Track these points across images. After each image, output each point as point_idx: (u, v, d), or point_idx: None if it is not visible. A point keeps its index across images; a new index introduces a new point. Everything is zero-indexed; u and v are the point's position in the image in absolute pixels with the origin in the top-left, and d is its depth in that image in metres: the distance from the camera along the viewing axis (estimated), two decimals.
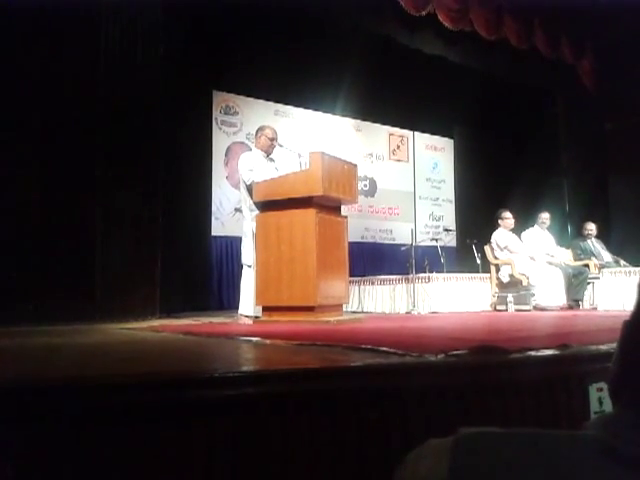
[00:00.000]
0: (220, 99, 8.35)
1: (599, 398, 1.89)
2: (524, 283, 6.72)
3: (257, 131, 5.32)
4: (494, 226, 7.36)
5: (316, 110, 9.37)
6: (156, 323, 4.80)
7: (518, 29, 8.07)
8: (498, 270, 7.14)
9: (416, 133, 10.86)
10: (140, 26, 5.57)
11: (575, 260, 7.40)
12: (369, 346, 2.22)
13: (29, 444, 1.24)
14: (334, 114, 9.53)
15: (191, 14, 6.71)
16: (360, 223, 9.49)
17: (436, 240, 8.40)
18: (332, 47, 7.94)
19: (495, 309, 7.00)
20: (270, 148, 5.20)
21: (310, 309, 4.31)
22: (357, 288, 7.44)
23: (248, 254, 4.97)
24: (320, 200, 4.44)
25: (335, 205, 4.82)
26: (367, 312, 6.91)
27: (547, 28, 8.30)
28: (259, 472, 1.43)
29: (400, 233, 9.88)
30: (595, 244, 7.69)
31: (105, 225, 5.27)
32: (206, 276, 7.87)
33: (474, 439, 0.59)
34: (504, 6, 7.89)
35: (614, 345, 0.67)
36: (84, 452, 1.28)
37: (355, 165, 4.96)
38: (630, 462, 0.53)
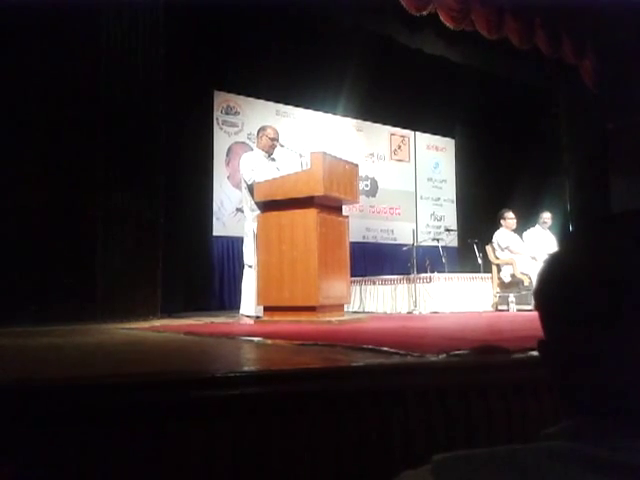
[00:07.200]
0: (221, 99, 8.35)
1: None
2: (526, 283, 6.71)
3: (258, 131, 5.32)
4: (495, 226, 7.35)
5: (317, 110, 9.36)
6: (157, 323, 4.80)
7: (519, 29, 8.06)
8: (499, 270, 7.13)
9: (417, 133, 10.85)
10: (141, 26, 5.56)
11: None
12: (370, 346, 2.22)
13: (29, 444, 1.24)
14: (335, 114, 9.53)
15: (192, 14, 6.71)
16: (361, 223, 9.49)
17: (437, 240, 8.40)
18: (333, 47, 7.93)
19: (497, 309, 6.99)
20: (271, 148, 5.20)
21: (311, 309, 4.31)
22: (358, 288, 7.44)
23: (249, 254, 4.97)
24: (321, 200, 4.44)
25: (336, 205, 4.82)
26: (368, 312, 6.91)
27: (548, 28, 8.28)
28: (260, 472, 1.43)
29: (401, 233, 9.87)
30: None
31: (106, 225, 5.27)
32: (207, 276, 7.87)
33: (454, 461, 0.59)
34: (505, 6, 7.87)
35: None
36: (85, 452, 1.28)
37: (356, 165, 4.96)
38: (609, 469, 0.53)
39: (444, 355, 1.94)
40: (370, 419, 1.58)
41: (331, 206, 4.68)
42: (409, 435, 1.60)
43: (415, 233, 7.62)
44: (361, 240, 9.44)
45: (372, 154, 10.12)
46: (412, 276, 6.84)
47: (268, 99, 8.84)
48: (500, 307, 6.96)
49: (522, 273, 6.79)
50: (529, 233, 7.40)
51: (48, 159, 5.06)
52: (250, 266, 4.96)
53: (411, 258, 7.05)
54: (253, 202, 4.88)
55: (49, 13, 4.85)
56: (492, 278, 7.21)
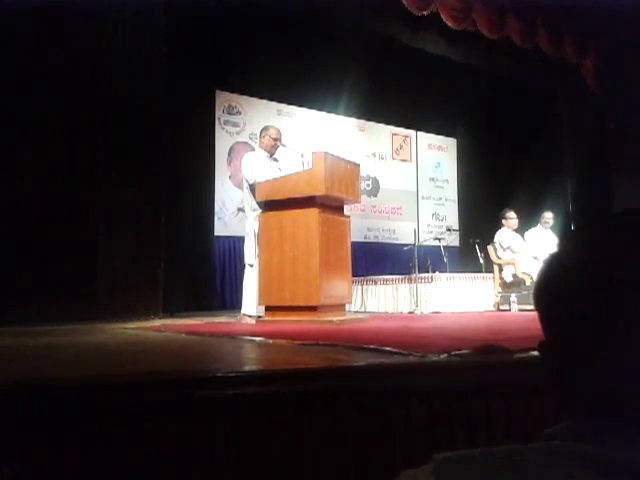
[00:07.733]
0: (223, 99, 8.35)
1: None
2: (527, 283, 6.70)
3: (261, 131, 5.32)
4: (497, 226, 7.35)
5: (319, 110, 9.36)
6: (159, 323, 4.80)
7: (521, 28, 8.05)
8: (501, 270, 7.12)
9: (419, 133, 10.84)
10: (142, 26, 5.56)
11: None
12: (372, 346, 2.22)
13: (29, 444, 1.24)
14: (337, 114, 9.52)
15: (193, 14, 6.70)
16: (363, 223, 9.48)
17: (439, 240, 8.37)
18: (335, 47, 7.93)
19: (498, 309, 6.98)
20: (273, 148, 5.20)
21: (313, 309, 4.31)
22: (360, 288, 7.44)
23: (250, 254, 4.97)
24: (323, 200, 4.44)
25: (338, 205, 4.82)
26: (370, 312, 6.90)
27: (550, 27, 8.27)
28: (261, 472, 1.43)
29: (403, 233, 9.86)
30: None
31: (107, 225, 5.27)
32: (209, 276, 7.87)
33: (455, 460, 0.59)
34: (507, 5, 7.86)
35: None
36: (85, 452, 1.28)
37: (358, 165, 4.95)
38: (610, 468, 0.52)
39: (445, 355, 1.93)
40: (371, 419, 1.58)
41: (333, 206, 4.67)
42: (410, 434, 1.60)
43: (417, 233, 7.62)
44: (362, 240, 9.44)
45: (374, 154, 10.11)
46: (413, 276, 6.84)
47: (270, 99, 8.83)
48: (502, 307, 6.95)
49: (524, 273, 6.78)
50: (531, 233, 7.39)
51: (48, 159, 5.05)
52: (251, 266, 4.96)
53: (412, 258, 7.04)
54: (254, 202, 4.88)
55: (50, 13, 4.86)
56: (494, 278, 7.20)
